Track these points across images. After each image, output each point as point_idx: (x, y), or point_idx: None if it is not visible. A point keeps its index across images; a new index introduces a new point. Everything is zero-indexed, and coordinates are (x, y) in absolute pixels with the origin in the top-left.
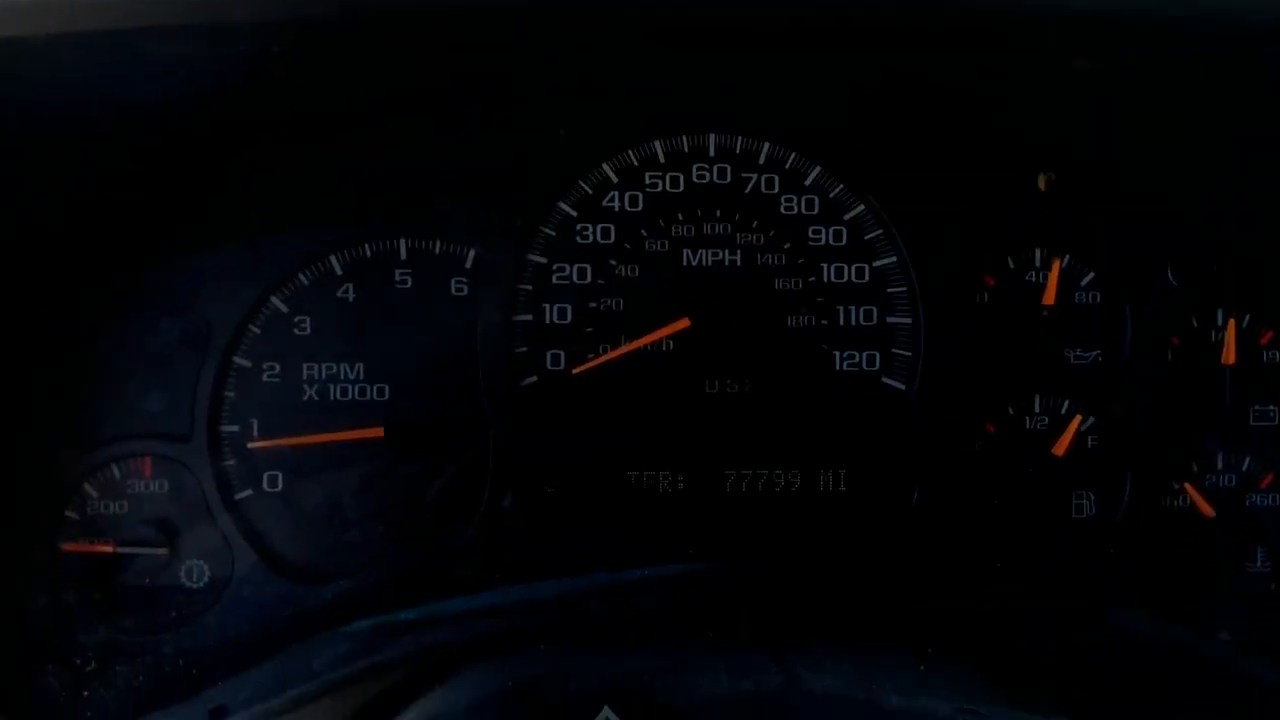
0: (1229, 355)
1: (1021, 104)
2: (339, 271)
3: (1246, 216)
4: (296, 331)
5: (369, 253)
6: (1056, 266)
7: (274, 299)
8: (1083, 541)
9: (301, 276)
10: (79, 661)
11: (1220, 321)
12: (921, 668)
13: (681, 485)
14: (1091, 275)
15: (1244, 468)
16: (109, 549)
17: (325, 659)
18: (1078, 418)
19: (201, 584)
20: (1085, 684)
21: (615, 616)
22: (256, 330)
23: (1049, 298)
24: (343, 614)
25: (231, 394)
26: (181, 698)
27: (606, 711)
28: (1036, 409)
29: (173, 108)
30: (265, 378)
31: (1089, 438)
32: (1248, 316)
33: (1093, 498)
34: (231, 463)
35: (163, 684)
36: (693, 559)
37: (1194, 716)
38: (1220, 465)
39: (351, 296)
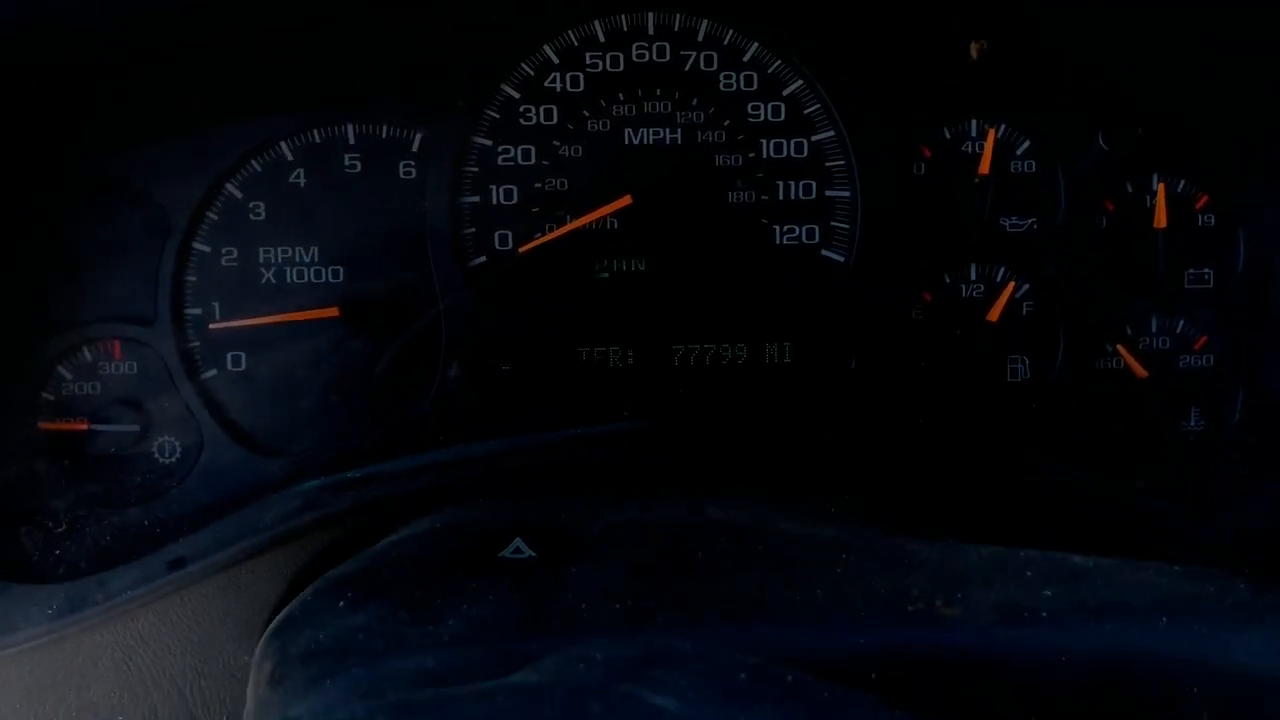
0: (1160, 219)
1: None
2: (290, 157)
3: (1180, 79)
4: (252, 217)
5: (318, 138)
6: (991, 136)
7: (228, 186)
8: (1017, 404)
9: (254, 163)
10: (50, 524)
11: (1154, 186)
12: (831, 509)
13: (631, 361)
14: (1027, 144)
15: (1178, 330)
16: (84, 426)
17: (276, 514)
18: (1011, 284)
19: (172, 459)
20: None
21: (542, 468)
22: (214, 217)
23: (984, 167)
24: (299, 479)
25: (193, 278)
26: (144, 553)
27: (518, 542)
28: (973, 276)
29: (123, 6)
30: (224, 262)
31: (1024, 304)
32: (1182, 181)
33: (1027, 361)
34: (195, 344)
35: (127, 542)
36: (626, 419)
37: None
38: (1154, 328)
39: (303, 182)
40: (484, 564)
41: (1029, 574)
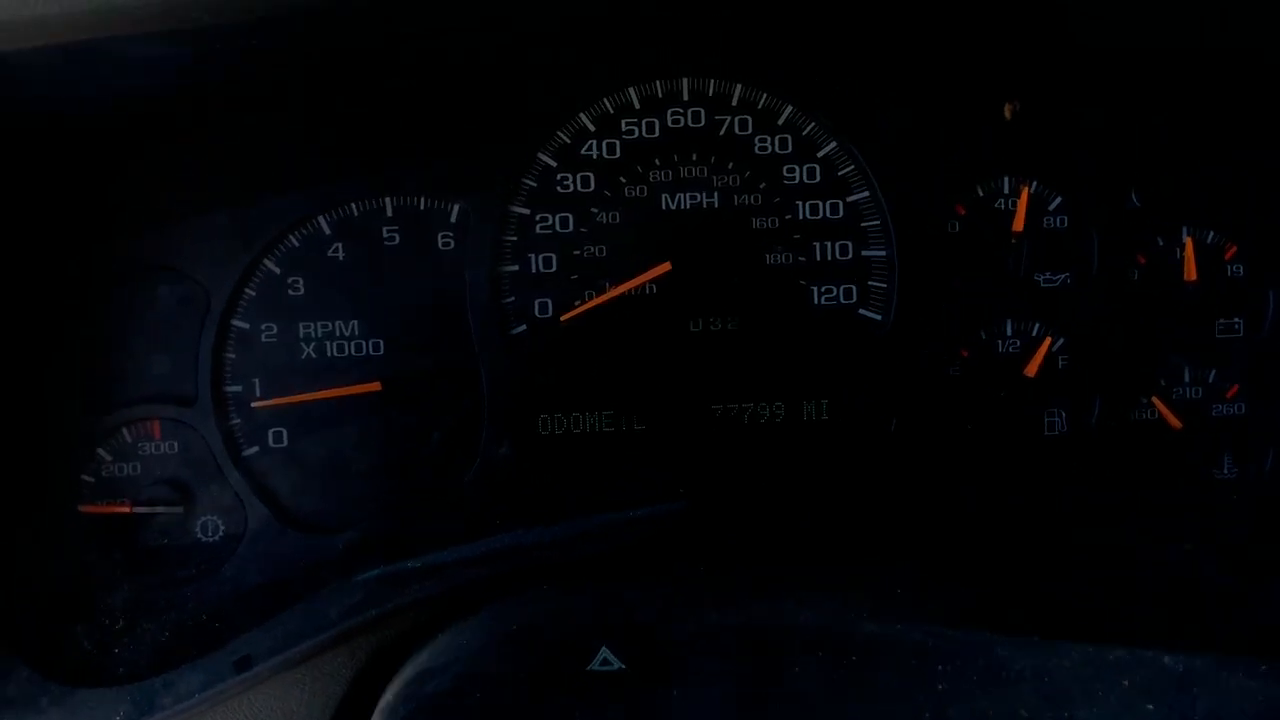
0: (1190, 271)
1: (985, 34)
2: (328, 231)
3: (1207, 135)
4: (291, 292)
5: (356, 212)
6: (1025, 193)
7: (267, 261)
8: (1055, 458)
9: (292, 238)
10: (106, 621)
11: (1182, 239)
12: (898, 591)
13: (670, 421)
14: (1059, 200)
15: (1209, 379)
16: (126, 509)
17: (339, 608)
18: (1048, 339)
19: (217, 538)
20: (1052, 595)
21: (609, 556)
22: (252, 293)
23: (1018, 223)
24: (352, 562)
25: (232, 355)
26: (206, 650)
27: (605, 652)
28: (1009, 332)
29: (156, 87)
30: (264, 338)
31: (1059, 358)
32: (1211, 233)
33: (1064, 415)
34: (237, 421)
35: (187, 638)
36: (683, 498)
37: (1155, 622)
38: (1187, 378)
39: (342, 255)
40: (576, 680)
41: (1126, 684)
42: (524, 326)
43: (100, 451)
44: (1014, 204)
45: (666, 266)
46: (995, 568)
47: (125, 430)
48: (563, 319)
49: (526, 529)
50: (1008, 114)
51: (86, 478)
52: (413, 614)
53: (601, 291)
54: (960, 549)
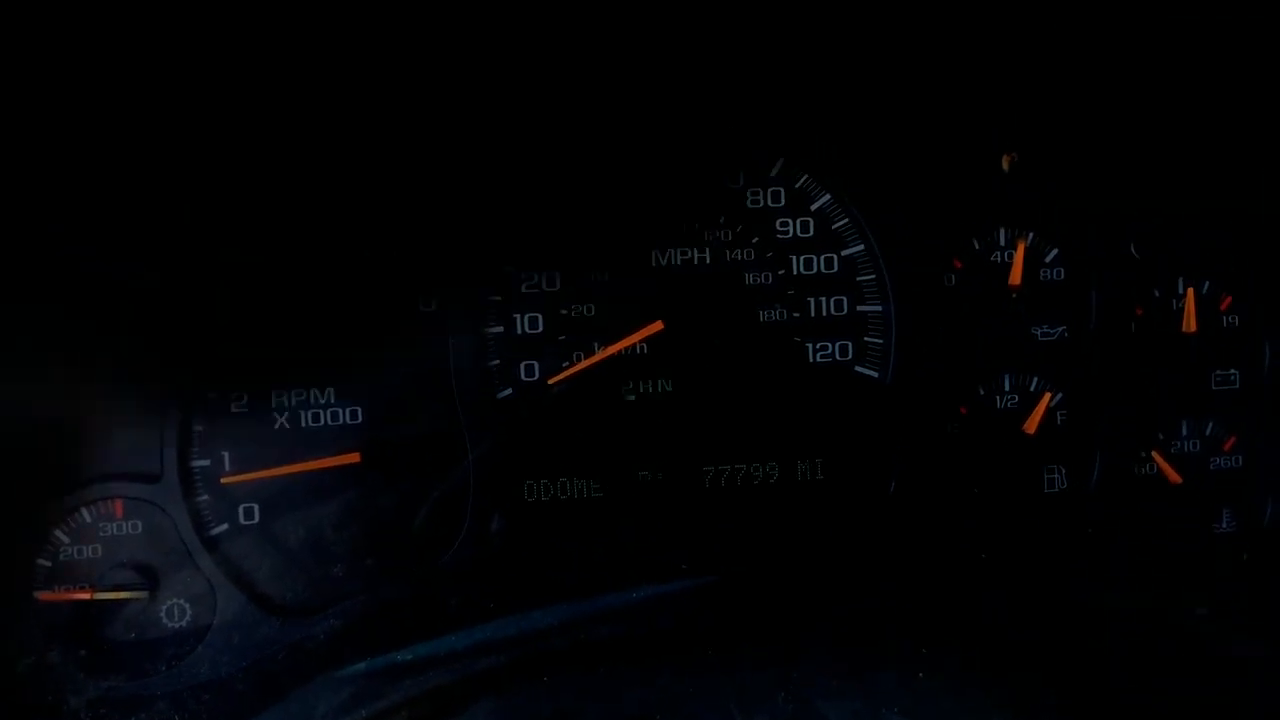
0: (1189, 323)
1: (982, 85)
2: None
3: (1204, 186)
4: None
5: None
6: (1021, 246)
7: None
8: (1055, 515)
9: None
10: None
11: (1181, 290)
12: (920, 674)
13: (661, 484)
14: (1055, 252)
15: (1207, 431)
16: (86, 595)
17: (326, 707)
18: (1047, 394)
19: (184, 623)
20: (1069, 669)
21: (613, 644)
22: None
23: (1015, 277)
24: (336, 651)
25: (200, 428)
26: None
27: None
28: (1007, 388)
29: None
30: (233, 408)
31: (1058, 413)
32: (1207, 283)
33: (1064, 471)
34: (205, 498)
35: None
36: (685, 574)
37: (1172, 690)
38: (1185, 431)
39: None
40: None
41: None
42: (510, 390)
43: (57, 533)
44: (1011, 256)
45: (659, 326)
46: (999, 633)
47: (85, 510)
48: (550, 381)
49: (523, 612)
50: (1006, 165)
51: (43, 562)
52: (409, 712)
53: (591, 353)
54: (963, 614)
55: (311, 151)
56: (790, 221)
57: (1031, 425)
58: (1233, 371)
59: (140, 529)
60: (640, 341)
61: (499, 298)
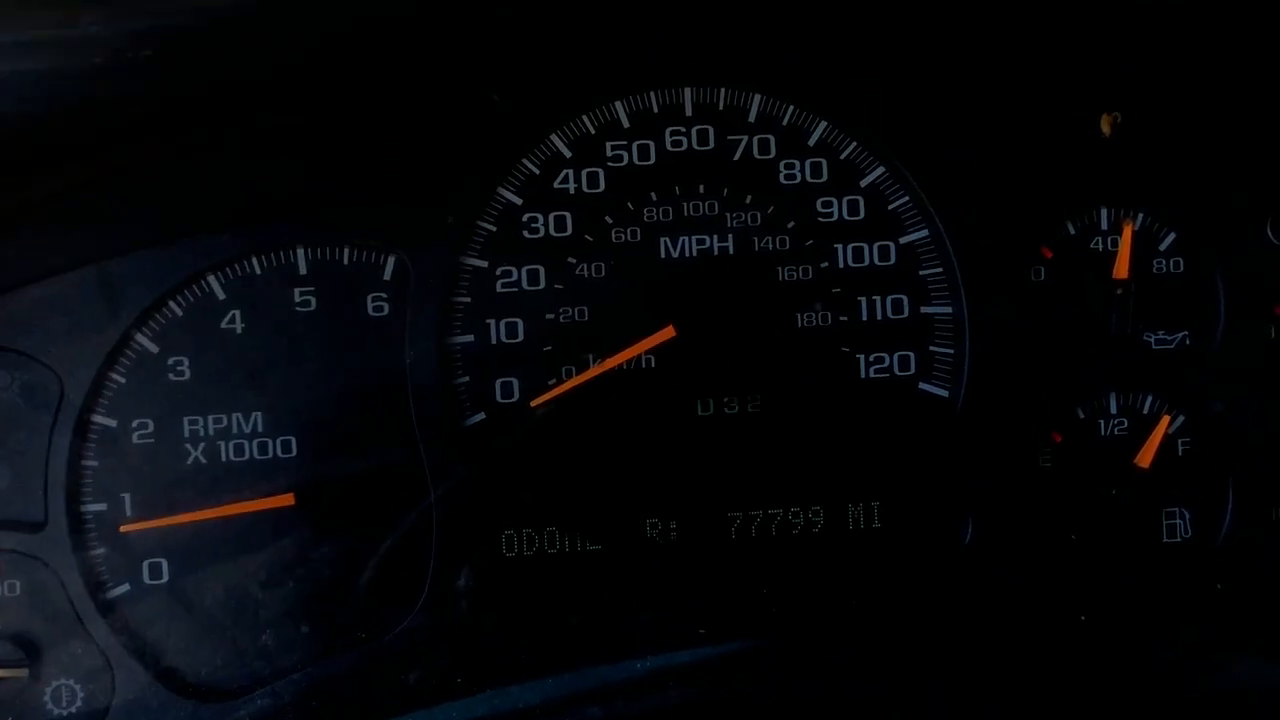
0: None
1: (1075, 23)
2: (221, 295)
3: None
4: (172, 377)
5: (258, 269)
6: (1128, 230)
7: (139, 336)
8: (1178, 571)
9: (172, 305)
10: None
11: None
12: None
13: (674, 536)
14: (1172, 237)
15: None
16: None
17: None
18: (1165, 418)
19: (74, 709)
20: None
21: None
22: (119, 379)
23: (1121, 269)
24: None
25: (94, 463)
26: None
27: None
28: (1113, 410)
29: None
30: (136, 439)
31: (1179, 441)
32: None
33: (1188, 516)
34: (100, 551)
35: None
36: (702, 640)
37: None
38: None
39: (240, 327)
40: None
41: None
42: (482, 415)
43: None
44: (1115, 243)
45: (670, 332)
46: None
47: None
48: (533, 404)
49: (497, 689)
50: (1106, 128)
51: None
52: None
53: (584, 367)
54: (1058, 693)
55: None
56: (835, 201)
57: (1145, 458)
58: None
59: (19, 589)
60: (646, 355)
61: (468, 299)
